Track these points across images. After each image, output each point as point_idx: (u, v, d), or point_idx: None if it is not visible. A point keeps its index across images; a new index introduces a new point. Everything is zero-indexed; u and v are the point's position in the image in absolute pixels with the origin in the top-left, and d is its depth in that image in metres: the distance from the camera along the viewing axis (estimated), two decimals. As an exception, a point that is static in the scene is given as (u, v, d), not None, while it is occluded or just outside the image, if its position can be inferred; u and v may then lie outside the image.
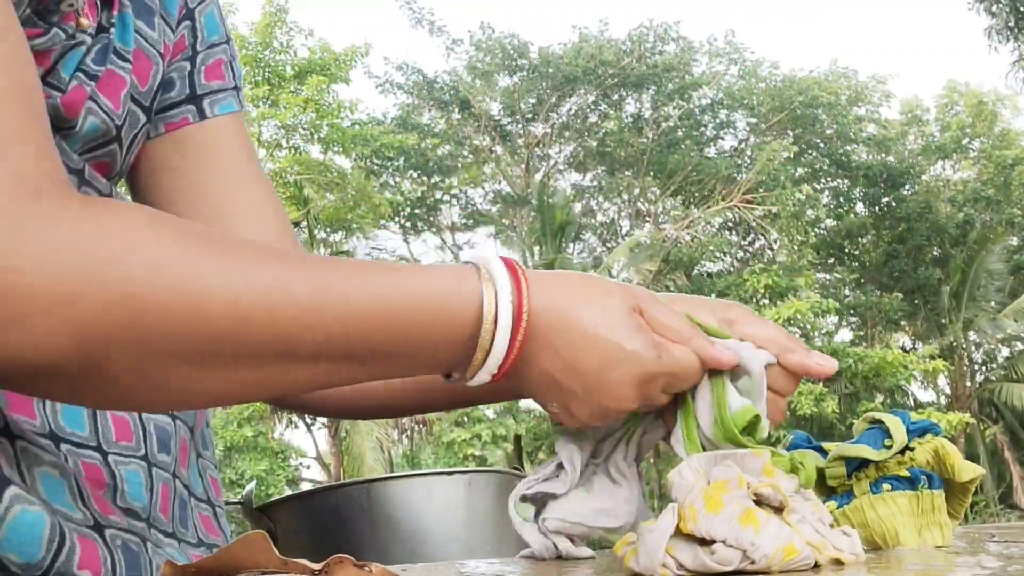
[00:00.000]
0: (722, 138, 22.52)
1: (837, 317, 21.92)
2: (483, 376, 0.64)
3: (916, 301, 21.70)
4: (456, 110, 21.54)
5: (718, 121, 22.17)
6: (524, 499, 0.78)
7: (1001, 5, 15.90)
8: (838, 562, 0.71)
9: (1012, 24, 15.96)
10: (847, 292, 23.23)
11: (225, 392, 0.61)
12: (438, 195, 22.00)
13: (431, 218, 22.22)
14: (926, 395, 22.40)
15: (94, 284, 0.52)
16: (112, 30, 0.78)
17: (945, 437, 0.93)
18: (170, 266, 0.54)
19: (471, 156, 21.96)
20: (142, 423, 0.78)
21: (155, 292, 0.53)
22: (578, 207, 22.15)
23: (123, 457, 0.74)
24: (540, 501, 0.78)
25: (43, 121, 0.57)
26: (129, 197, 0.87)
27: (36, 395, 0.65)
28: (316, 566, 0.69)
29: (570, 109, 21.71)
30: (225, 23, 0.93)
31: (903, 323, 22.67)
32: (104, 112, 0.76)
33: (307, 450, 20.48)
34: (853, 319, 23.02)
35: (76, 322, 0.52)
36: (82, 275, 0.52)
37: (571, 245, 21.99)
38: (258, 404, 17.89)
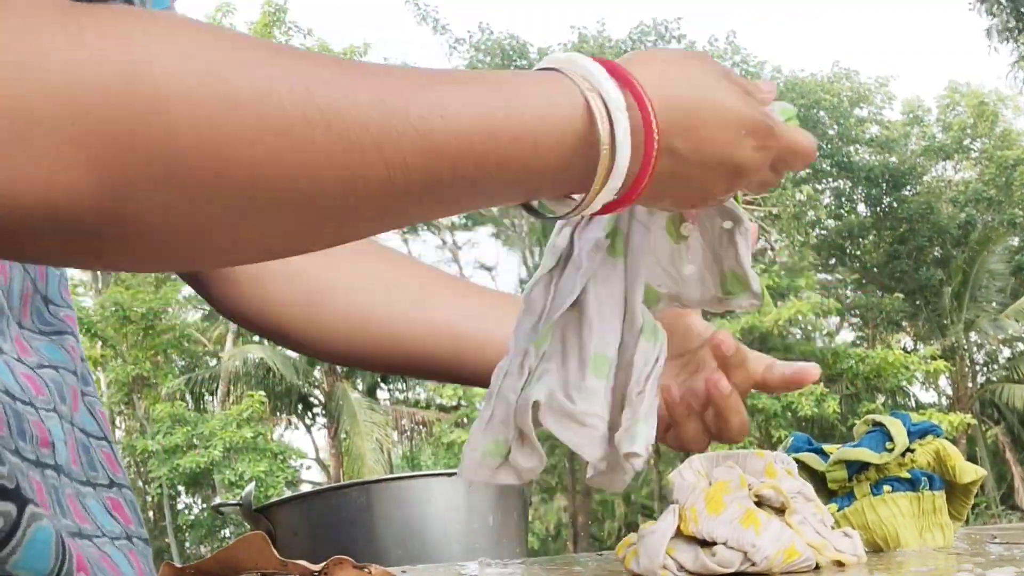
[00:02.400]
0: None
1: (838, 318, 21.94)
2: (596, 204, 0.56)
3: (917, 302, 21.70)
4: (456, 111, 21.55)
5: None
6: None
7: (1001, 6, 15.90)
8: (839, 564, 0.71)
9: (1012, 24, 15.96)
10: (848, 293, 23.23)
11: (291, 235, 0.50)
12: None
13: (431, 218, 22.23)
14: (927, 396, 22.42)
15: (113, 94, 0.41)
16: None
17: (946, 438, 0.93)
18: (209, 70, 0.43)
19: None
20: (37, 374, 0.71)
21: (191, 104, 0.42)
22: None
23: (46, 412, 0.70)
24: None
25: None
26: None
27: (36, 255, 0.51)
28: (315, 568, 0.69)
29: (570, 110, 21.73)
30: None
31: (904, 324, 22.67)
32: None
33: (306, 451, 20.51)
34: (854, 320, 23.03)
35: (93, 145, 0.40)
36: (99, 83, 0.40)
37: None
38: (257, 405, 17.74)
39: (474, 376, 0.84)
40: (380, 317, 0.85)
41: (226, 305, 0.86)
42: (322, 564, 0.64)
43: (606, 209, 0.56)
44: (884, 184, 22.36)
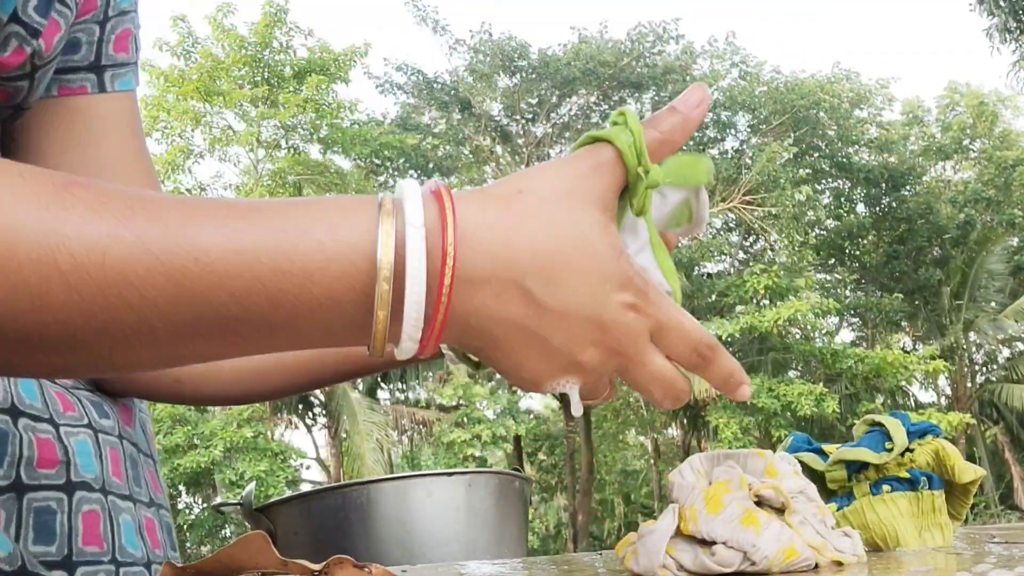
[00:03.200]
0: (723, 139, 22.53)
1: (837, 318, 21.93)
2: (407, 345, 0.49)
3: (916, 302, 21.70)
4: (456, 111, 21.55)
5: (720, 122, 22.18)
6: None
7: (1001, 6, 15.90)
8: (839, 564, 0.71)
9: (1012, 25, 15.96)
10: (848, 293, 23.23)
11: (67, 370, 0.50)
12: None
13: (431, 218, 22.22)
14: (927, 396, 22.43)
15: None
16: None
17: (945, 438, 0.93)
18: None
19: (472, 156, 21.97)
20: (71, 393, 0.76)
21: None
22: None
23: (72, 428, 0.73)
24: None
25: None
26: None
27: None
28: (316, 567, 0.69)
29: (570, 110, 21.72)
30: None
31: (904, 324, 22.67)
32: (34, 55, 0.72)
33: (307, 451, 20.50)
34: (854, 320, 23.03)
35: None
36: None
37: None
38: (258, 405, 17.75)
39: (366, 367, 0.88)
40: (268, 361, 0.87)
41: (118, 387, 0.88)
42: (323, 564, 0.65)
43: (421, 349, 0.50)
44: (883, 184, 22.36)
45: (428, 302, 0.48)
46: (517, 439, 19.20)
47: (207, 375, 0.87)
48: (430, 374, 19.09)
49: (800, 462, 0.90)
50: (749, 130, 22.26)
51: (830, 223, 22.70)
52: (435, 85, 21.45)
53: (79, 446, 0.72)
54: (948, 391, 22.02)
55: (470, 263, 0.48)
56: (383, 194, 0.49)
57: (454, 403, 19.22)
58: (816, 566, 0.70)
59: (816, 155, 22.19)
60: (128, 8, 0.84)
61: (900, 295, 21.07)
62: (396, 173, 21.34)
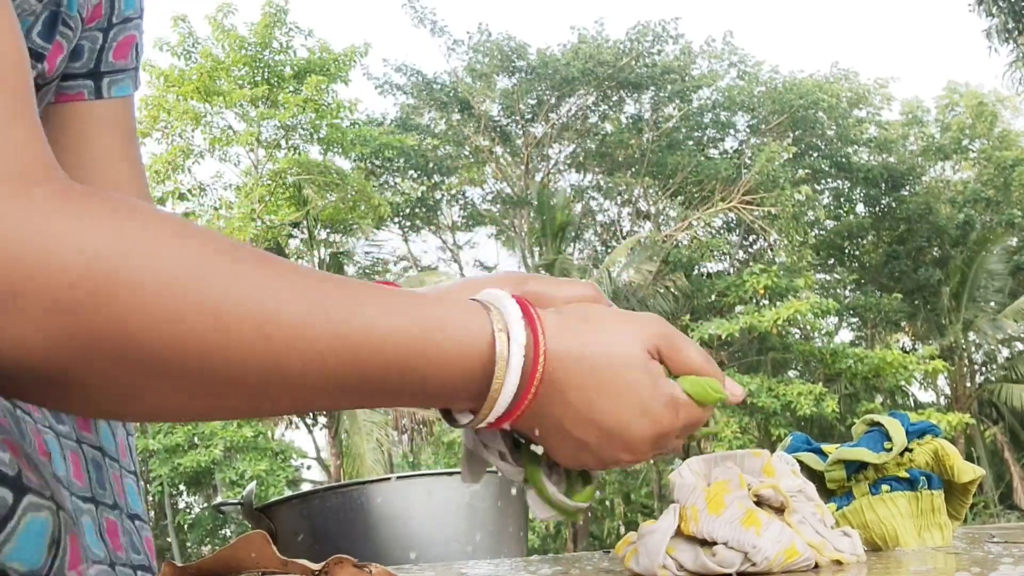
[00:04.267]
0: (722, 139, 22.52)
1: (837, 318, 21.92)
2: (483, 423, 0.61)
3: (916, 302, 21.69)
4: (456, 111, 21.54)
5: (719, 122, 22.17)
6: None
7: (1000, 6, 15.89)
8: (838, 563, 0.71)
9: (1011, 25, 15.96)
10: (847, 293, 23.22)
11: (204, 412, 0.56)
12: (438, 195, 22.00)
13: (431, 218, 22.21)
14: (926, 396, 22.41)
15: (76, 283, 0.47)
16: None
17: (945, 438, 0.93)
18: (154, 269, 0.49)
19: (472, 156, 21.95)
20: None
21: (136, 297, 0.48)
22: (578, 207, 22.14)
23: (42, 427, 0.73)
24: None
25: (31, 97, 0.52)
26: None
27: (15, 396, 0.61)
28: (316, 566, 0.69)
29: (570, 110, 21.70)
30: None
31: (903, 324, 22.66)
32: (37, 76, 0.73)
33: (307, 451, 20.49)
34: (853, 320, 23.01)
35: (48, 323, 0.47)
36: (62, 271, 0.47)
37: (571, 245, 22.00)
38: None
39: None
40: None
41: None
42: (323, 563, 0.65)
43: (495, 424, 0.61)
44: (883, 184, 22.35)
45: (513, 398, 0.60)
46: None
47: None
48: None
49: (800, 462, 0.90)
50: (748, 130, 22.26)
51: (829, 223, 22.69)
52: (434, 86, 21.44)
53: (51, 443, 0.73)
54: (947, 391, 22.01)
55: (548, 380, 0.60)
56: (492, 306, 0.60)
57: (454, 403, 19.17)
58: (816, 566, 0.70)
59: (815, 155, 22.18)
60: (132, 15, 0.84)
61: (900, 295, 21.05)
62: (396, 173, 21.34)
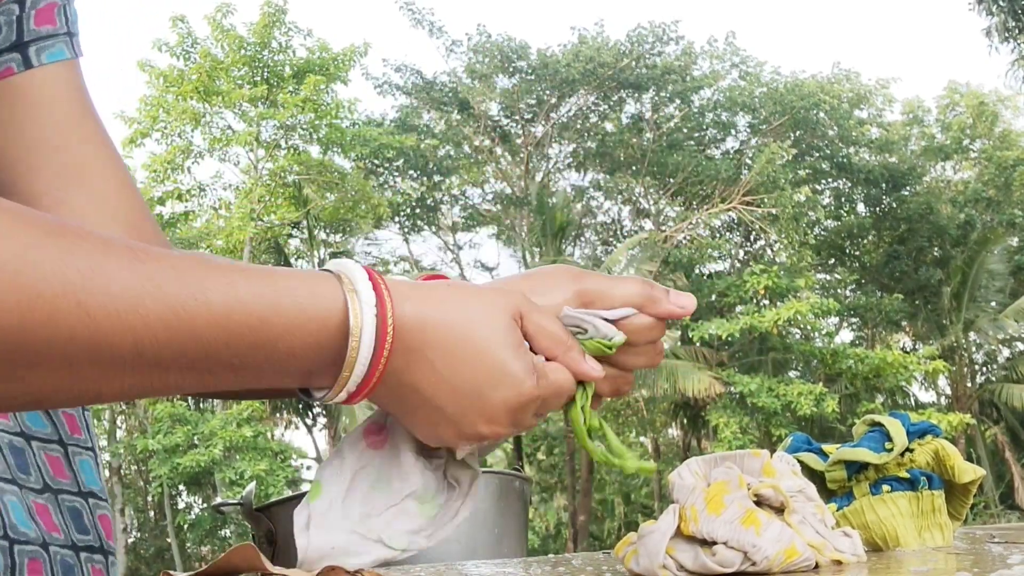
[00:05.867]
0: (723, 140, 22.53)
1: (837, 318, 21.93)
2: (342, 395, 0.59)
3: (917, 302, 21.70)
4: (455, 111, 21.54)
5: (720, 123, 22.18)
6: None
7: (1001, 6, 15.90)
8: (838, 563, 0.71)
9: (1012, 24, 15.96)
10: (848, 293, 23.23)
11: (41, 397, 0.54)
12: (438, 195, 22.02)
13: (431, 218, 22.23)
14: (927, 396, 22.42)
15: None
16: None
17: (945, 438, 0.93)
18: None
19: (472, 156, 21.96)
20: None
21: None
22: (578, 207, 22.16)
23: None
24: None
25: None
26: None
27: None
28: (308, 575, 0.69)
29: (569, 110, 21.71)
30: None
31: (904, 324, 22.67)
32: None
33: (307, 451, 20.51)
34: (854, 320, 23.02)
35: None
36: None
37: (571, 245, 22.02)
38: (257, 404, 17.70)
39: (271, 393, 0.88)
40: None
41: None
42: (315, 572, 0.64)
43: (350, 398, 0.60)
44: (883, 184, 22.36)
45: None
46: (517, 439, 19.18)
47: None
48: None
49: (800, 462, 0.90)
50: (749, 131, 22.27)
51: (830, 223, 22.70)
52: (434, 86, 21.45)
53: None
54: (948, 391, 22.02)
55: (400, 340, 0.59)
56: (336, 270, 0.59)
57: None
58: (816, 566, 0.70)
59: (816, 155, 22.19)
60: None
61: (900, 295, 21.06)
62: (396, 173, 21.35)
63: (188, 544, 19.79)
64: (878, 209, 22.81)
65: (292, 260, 19.02)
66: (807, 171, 21.02)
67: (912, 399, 20.97)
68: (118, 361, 0.52)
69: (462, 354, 0.60)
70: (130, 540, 20.66)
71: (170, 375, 0.54)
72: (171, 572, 0.73)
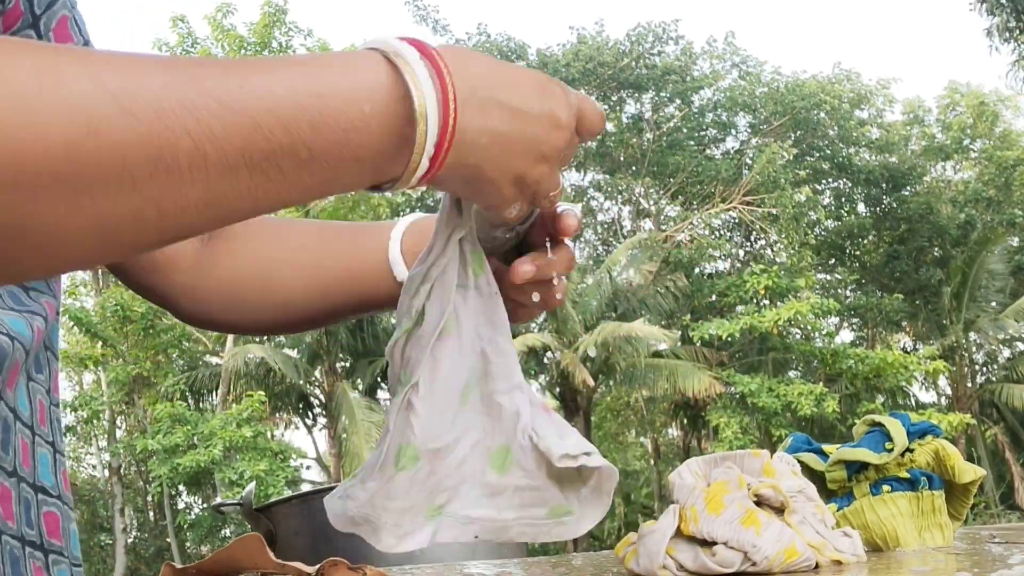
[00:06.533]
0: (723, 140, 22.54)
1: (838, 318, 21.93)
2: (424, 164, 0.57)
3: (917, 302, 21.70)
4: (456, 110, 21.52)
5: (720, 123, 22.18)
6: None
7: (1002, 6, 15.90)
8: (839, 563, 0.71)
9: (1012, 24, 15.96)
10: (848, 293, 23.23)
11: (104, 231, 0.49)
12: (438, 195, 21.97)
13: (431, 218, 22.22)
14: (927, 396, 22.42)
15: None
16: None
17: (945, 438, 0.93)
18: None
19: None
20: None
21: None
22: (578, 207, 22.12)
23: None
24: None
25: None
26: None
27: None
28: (310, 569, 0.69)
29: (570, 110, 21.71)
30: None
31: (904, 324, 22.67)
32: None
33: (307, 451, 20.51)
34: (854, 320, 23.03)
35: None
36: None
37: (571, 245, 21.98)
38: (257, 405, 17.62)
39: (389, 299, 0.88)
40: (292, 286, 0.89)
41: (169, 302, 0.89)
42: (317, 566, 0.64)
43: (423, 179, 0.59)
44: (884, 184, 22.36)
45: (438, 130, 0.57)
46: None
47: (235, 300, 0.88)
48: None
49: (800, 462, 0.89)
50: (749, 131, 22.26)
51: (830, 223, 22.70)
52: (434, 86, 21.44)
53: None
54: (948, 391, 22.01)
55: (459, 91, 0.58)
56: (382, 48, 0.57)
57: (454, 403, 19.18)
58: (816, 566, 0.70)
59: (816, 156, 22.18)
60: None
61: (900, 295, 21.07)
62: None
63: (188, 544, 19.78)
64: (878, 209, 22.81)
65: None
66: (807, 171, 21.02)
67: (912, 399, 20.97)
68: (179, 168, 0.48)
69: (506, 80, 0.61)
70: (130, 540, 20.65)
71: (239, 178, 0.51)
72: (174, 563, 0.73)
